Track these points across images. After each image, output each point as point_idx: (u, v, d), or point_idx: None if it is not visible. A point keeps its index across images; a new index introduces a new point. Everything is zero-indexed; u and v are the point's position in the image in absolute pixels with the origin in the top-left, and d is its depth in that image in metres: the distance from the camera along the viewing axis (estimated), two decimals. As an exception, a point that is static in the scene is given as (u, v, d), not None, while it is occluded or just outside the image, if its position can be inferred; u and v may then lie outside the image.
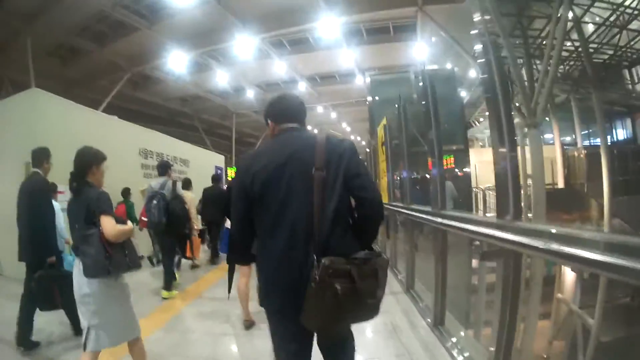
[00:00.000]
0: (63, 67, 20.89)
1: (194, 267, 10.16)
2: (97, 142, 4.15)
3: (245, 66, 23.57)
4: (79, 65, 21.14)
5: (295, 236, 2.35)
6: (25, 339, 4.89)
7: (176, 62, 20.99)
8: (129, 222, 3.76)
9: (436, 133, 5.27)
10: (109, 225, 3.43)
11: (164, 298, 7.20)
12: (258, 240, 2.55)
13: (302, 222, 2.35)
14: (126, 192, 10.71)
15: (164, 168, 7.83)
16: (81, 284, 3.45)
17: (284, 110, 2.71)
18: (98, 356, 3.54)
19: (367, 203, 2.46)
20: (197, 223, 10.49)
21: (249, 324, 5.68)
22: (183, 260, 9.21)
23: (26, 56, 16.56)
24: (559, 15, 11.81)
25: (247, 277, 5.75)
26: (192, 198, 9.64)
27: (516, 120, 14.94)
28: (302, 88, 27.26)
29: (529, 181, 11.06)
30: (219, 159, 20.64)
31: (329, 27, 17.84)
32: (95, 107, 16.07)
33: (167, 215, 6.87)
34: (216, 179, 11.97)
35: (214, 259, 11.06)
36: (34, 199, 4.93)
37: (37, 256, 4.80)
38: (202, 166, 16.53)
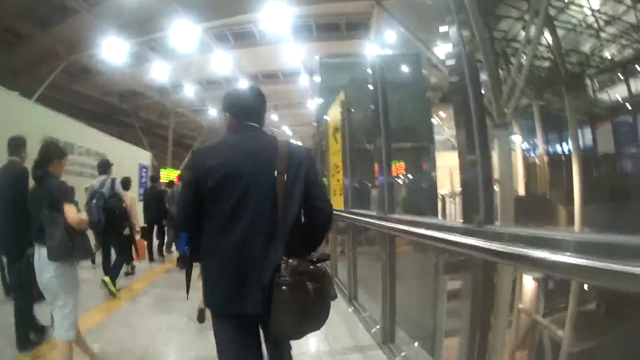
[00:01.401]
0: (9, 54, 19.19)
1: (127, 274, 9.34)
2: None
3: (185, 60, 22.52)
4: (22, 52, 19.55)
5: (252, 236, 2.34)
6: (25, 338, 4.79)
7: (114, 51, 19.71)
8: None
9: (385, 126, 4.69)
10: (72, 212, 3.68)
11: (104, 282, 7.13)
12: (204, 237, 2.47)
13: (262, 223, 2.36)
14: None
15: (104, 166, 7.88)
16: (42, 270, 3.68)
17: (245, 108, 2.65)
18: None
19: (319, 213, 2.55)
20: (139, 222, 10.25)
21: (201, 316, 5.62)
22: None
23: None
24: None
25: None
26: (131, 197, 9.13)
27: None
28: (243, 86, 25.64)
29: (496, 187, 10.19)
30: (144, 156, 18.88)
31: (277, 18, 17.07)
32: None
33: (106, 214, 6.81)
34: (155, 179, 12.81)
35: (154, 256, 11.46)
36: (16, 187, 4.80)
37: (19, 247, 4.63)
38: (122, 162, 14.25)
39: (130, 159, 16.30)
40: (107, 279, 7.15)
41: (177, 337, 5.58)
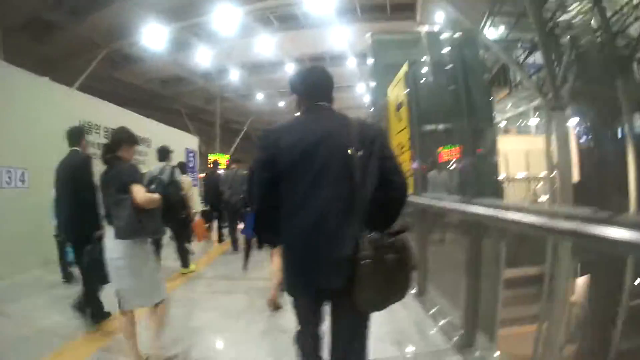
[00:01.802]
0: (38, 44, 18.74)
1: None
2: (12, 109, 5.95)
3: (229, 45, 21.64)
4: (54, 43, 19.04)
5: (330, 213, 2.34)
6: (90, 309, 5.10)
7: (155, 37, 19.04)
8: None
9: (467, 106, 4.18)
10: (140, 192, 3.76)
11: (183, 273, 7.86)
12: (283, 218, 2.47)
13: (339, 200, 2.35)
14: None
15: (164, 154, 7.94)
16: (112, 248, 3.82)
17: (314, 87, 2.68)
18: (134, 316, 4.01)
19: (396, 186, 2.50)
20: (195, 206, 10.54)
21: (272, 303, 5.69)
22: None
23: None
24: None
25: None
26: (189, 182, 9.63)
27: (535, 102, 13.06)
28: (289, 70, 24.93)
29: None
30: (191, 141, 18.29)
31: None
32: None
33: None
34: (216, 163, 13.15)
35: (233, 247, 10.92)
36: (79, 174, 5.03)
37: (85, 232, 4.78)
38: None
39: (176, 144, 15.46)
40: (183, 269, 7.96)
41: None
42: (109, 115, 11.46)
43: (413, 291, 5.82)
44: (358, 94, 29.64)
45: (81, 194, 4.93)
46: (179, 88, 29.59)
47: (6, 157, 7.80)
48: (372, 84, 8.63)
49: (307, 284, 2.46)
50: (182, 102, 32.24)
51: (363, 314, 2.56)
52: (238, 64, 25.51)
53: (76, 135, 5.41)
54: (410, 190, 5.67)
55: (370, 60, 9.81)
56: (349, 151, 2.36)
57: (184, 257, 8.15)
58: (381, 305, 2.43)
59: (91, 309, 5.11)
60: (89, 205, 4.83)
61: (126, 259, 3.80)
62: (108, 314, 5.20)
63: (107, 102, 11.94)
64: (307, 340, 2.68)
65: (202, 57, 22.78)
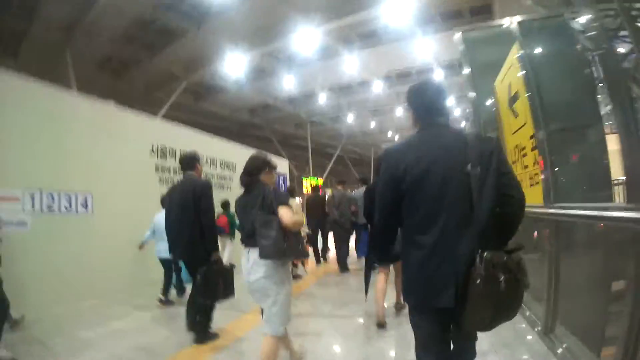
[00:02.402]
0: (115, 81, 19.22)
1: (295, 277, 9.71)
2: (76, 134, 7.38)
3: (313, 68, 20.87)
4: (131, 78, 19.52)
5: (449, 231, 2.36)
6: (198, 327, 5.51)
7: (234, 65, 18.56)
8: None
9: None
10: (288, 213, 3.73)
11: None
12: (404, 236, 2.60)
13: (458, 218, 2.36)
14: (226, 205, 10.43)
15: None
16: (251, 271, 3.86)
17: (431, 105, 2.69)
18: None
19: (514, 202, 2.43)
20: (304, 229, 10.56)
21: (381, 324, 5.75)
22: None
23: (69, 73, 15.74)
24: None
25: (387, 277, 5.97)
26: (297, 204, 10.33)
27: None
28: (377, 89, 24.26)
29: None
30: (280, 164, 17.26)
31: (398, 11, 15.14)
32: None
33: None
34: (316, 188, 13.08)
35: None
36: (202, 199, 5.21)
37: (202, 253, 5.13)
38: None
39: None
40: None
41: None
42: (184, 137, 11.12)
43: (538, 328, 4.90)
44: (449, 106, 27.83)
45: (203, 218, 5.17)
46: (267, 115, 29.39)
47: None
48: (471, 89, 7.58)
49: (425, 300, 2.48)
50: (273, 129, 32.01)
51: (472, 337, 2.72)
52: (324, 87, 24.69)
53: (190, 160, 5.63)
54: (539, 201, 4.80)
55: (464, 60, 8.81)
56: (467, 168, 2.35)
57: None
58: (488, 325, 2.35)
59: (198, 329, 5.49)
60: (210, 228, 5.25)
61: (267, 280, 3.80)
62: (216, 335, 5.60)
63: (181, 126, 11.51)
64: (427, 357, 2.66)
65: (287, 82, 22.14)
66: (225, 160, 12.62)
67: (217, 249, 5.30)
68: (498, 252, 2.26)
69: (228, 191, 12.13)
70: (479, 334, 2.74)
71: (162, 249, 6.96)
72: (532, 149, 4.93)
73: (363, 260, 9.80)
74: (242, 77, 20.23)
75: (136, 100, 18.44)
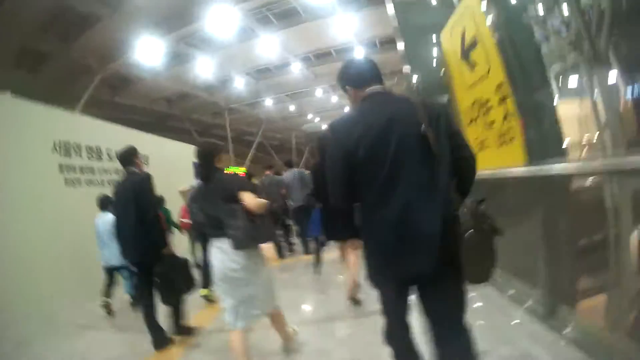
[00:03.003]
0: (33, 77, 17.23)
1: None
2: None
3: (230, 51, 19.85)
4: (47, 73, 17.50)
5: (413, 198, 2.23)
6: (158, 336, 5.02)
7: (150, 53, 17.31)
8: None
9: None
10: (251, 198, 3.60)
11: (203, 296, 6.91)
12: (363, 210, 2.46)
13: (419, 183, 2.24)
14: (160, 201, 8.47)
15: None
16: (225, 261, 3.67)
17: (362, 74, 2.62)
18: (246, 335, 3.80)
19: (467, 162, 2.44)
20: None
21: (355, 301, 5.70)
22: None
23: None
24: None
25: (349, 251, 5.57)
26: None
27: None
28: (296, 70, 23.44)
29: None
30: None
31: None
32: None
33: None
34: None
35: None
36: (141, 194, 4.88)
37: (151, 252, 4.86)
38: (171, 163, 12.16)
39: (182, 159, 13.88)
40: (203, 291, 6.90)
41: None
42: (93, 131, 9.81)
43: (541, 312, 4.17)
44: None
45: (144, 215, 4.83)
46: (185, 104, 27.81)
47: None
48: (406, 58, 6.91)
49: (398, 273, 2.35)
50: (191, 119, 30.48)
51: (460, 294, 2.43)
52: (242, 71, 23.58)
53: (128, 155, 5.33)
54: (521, 159, 4.07)
55: (395, 25, 8.14)
56: (420, 131, 2.24)
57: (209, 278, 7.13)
58: (486, 276, 2.32)
59: (154, 333, 5.02)
60: (154, 223, 4.92)
61: (245, 269, 3.69)
62: (170, 340, 5.16)
63: (86, 117, 10.27)
64: (398, 333, 2.60)
65: (204, 68, 20.98)
66: (115, 148, 11.09)
67: (166, 244, 5.10)
68: (473, 206, 2.22)
69: None
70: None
71: (108, 255, 6.82)
72: (501, 101, 4.12)
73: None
74: (158, 64, 18.93)
75: (54, 96, 16.36)
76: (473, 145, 4.99)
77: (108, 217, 6.81)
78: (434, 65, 6.56)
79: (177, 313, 5.26)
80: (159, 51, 17.51)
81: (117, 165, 9.68)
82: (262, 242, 3.84)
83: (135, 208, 4.83)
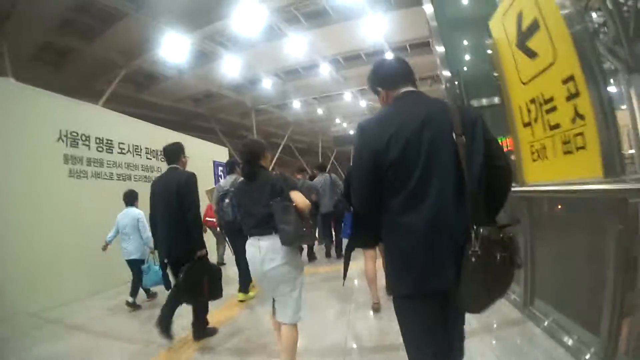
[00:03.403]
0: (55, 73, 16.97)
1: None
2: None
3: (258, 51, 19.21)
4: (71, 68, 17.18)
5: (441, 207, 2.07)
6: (164, 326, 5.00)
7: (176, 50, 16.75)
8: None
9: None
10: (301, 198, 3.60)
11: (240, 301, 7.01)
12: (388, 216, 2.23)
13: (449, 192, 2.07)
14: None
15: (232, 166, 7.75)
16: (265, 259, 3.62)
17: (394, 74, 2.45)
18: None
19: (502, 173, 2.22)
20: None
21: (377, 307, 5.65)
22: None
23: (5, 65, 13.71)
24: None
25: (375, 259, 5.65)
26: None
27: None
28: (324, 72, 22.48)
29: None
30: (219, 152, 15.72)
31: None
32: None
33: None
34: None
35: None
36: (184, 192, 4.83)
37: (189, 251, 4.81)
38: (190, 160, 11.62)
39: (202, 156, 13.17)
40: (240, 295, 7.06)
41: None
42: (104, 121, 9.26)
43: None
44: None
45: (188, 213, 4.79)
46: (211, 104, 27.28)
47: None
48: (444, 51, 6.19)
49: (423, 283, 2.12)
50: (217, 119, 29.89)
51: (462, 316, 2.36)
52: (270, 72, 22.85)
53: (174, 152, 5.27)
54: (592, 172, 3.25)
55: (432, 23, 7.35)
56: (453, 136, 2.09)
57: (245, 279, 7.15)
58: (483, 306, 2.11)
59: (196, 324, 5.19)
60: (195, 223, 4.85)
61: (287, 266, 3.62)
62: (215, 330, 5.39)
63: (97, 108, 9.85)
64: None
65: (231, 67, 20.27)
66: (153, 148, 10.59)
67: (202, 246, 4.94)
68: (493, 227, 2.01)
69: None
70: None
71: (130, 249, 7.00)
72: (570, 98, 3.25)
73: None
74: (183, 62, 18.48)
75: (76, 92, 15.71)
76: (527, 154, 4.44)
77: (134, 212, 7.13)
78: (480, 63, 5.78)
79: (197, 318, 5.21)
80: (185, 48, 16.99)
81: (129, 158, 9.16)
82: (308, 242, 4.02)
83: (177, 206, 4.79)
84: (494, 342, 4.18)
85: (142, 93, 22.25)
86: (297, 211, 3.52)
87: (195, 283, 4.77)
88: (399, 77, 2.42)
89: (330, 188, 9.90)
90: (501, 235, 2.02)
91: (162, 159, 10.47)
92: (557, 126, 3.55)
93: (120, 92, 18.92)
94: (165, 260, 5.15)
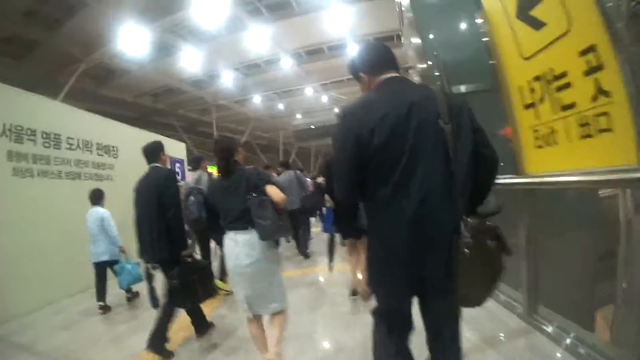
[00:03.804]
0: (18, 65, 16.31)
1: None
2: None
3: (218, 44, 18.57)
4: (32, 60, 16.47)
5: (428, 198, 2.01)
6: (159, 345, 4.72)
7: (135, 42, 16.12)
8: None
9: None
10: (276, 191, 3.64)
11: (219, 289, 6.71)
12: (372, 210, 2.21)
13: (436, 181, 2.02)
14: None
15: (196, 162, 7.68)
16: (241, 253, 3.60)
17: (378, 59, 2.36)
18: (262, 322, 3.89)
19: (488, 161, 2.10)
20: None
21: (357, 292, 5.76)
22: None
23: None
24: None
25: (355, 249, 5.64)
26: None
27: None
28: (286, 66, 21.87)
29: None
30: (175, 148, 14.65)
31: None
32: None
33: (207, 209, 5.30)
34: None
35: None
36: (164, 190, 4.60)
37: (173, 252, 4.59)
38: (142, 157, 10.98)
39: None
40: (218, 282, 6.82)
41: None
42: (54, 115, 8.49)
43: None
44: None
45: (167, 211, 4.53)
46: (171, 99, 26.35)
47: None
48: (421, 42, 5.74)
49: (407, 274, 2.10)
50: (177, 115, 29.03)
51: (455, 308, 2.24)
52: (230, 66, 22.15)
53: (155, 150, 5.01)
54: (631, 158, 2.73)
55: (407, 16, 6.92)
56: (440, 123, 2.01)
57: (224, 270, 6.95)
58: (481, 297, 2.05)
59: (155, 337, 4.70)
60: (177, 222, 4.61)
61: (265, 260, 3.63)
62: (170, 354, 4.82)
63: (45, 99, 8.59)
64: (394, 345, 2.33)
65: (191, 61, 19.60)
66: (104, 143, 9.73)
67: (185, 246, 4.74)
68: (481, 216, 1.99)
69: (108, 183, 9.52)
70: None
71: (98, 251, 6.75)
72: (590, 72, 2.78)
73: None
74: (143, 56, 17.75)
75: (39, 86, 14.64)
76: (529, 140, 4.00)
77: (98, 212, 6.83)
78: (468, 49, 5.26)
79: (195, 316, 5.14)
80: (144, 41, 16.34)
81: (80, 155, 8.39)
82: (285, 235, 3.84)
83: (157, 204, 4.57)
84: (495, 356, 3.72)
85: (102, 88, 21.47)
86: (273, 205, 3.53)
87: (187, 285, 4.54)
88: (384, 62, 2.34)
89: (297, 184, 9.64)
90: (488, 224, 1.97)
91: (115, 156, 9.84)
92: (571, 106, 3.09)
93: (80, 87, 18.30)
94: (150, 267, 4.93)
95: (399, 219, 2.04)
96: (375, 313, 2.39)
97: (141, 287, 6.29)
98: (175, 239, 4.59)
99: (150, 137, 12.70)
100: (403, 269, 2.09)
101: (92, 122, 9.68)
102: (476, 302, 2.06)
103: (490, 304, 3.59)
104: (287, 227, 3.76)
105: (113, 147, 9.97)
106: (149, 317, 5.01)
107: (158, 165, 4.98)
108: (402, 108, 2.05)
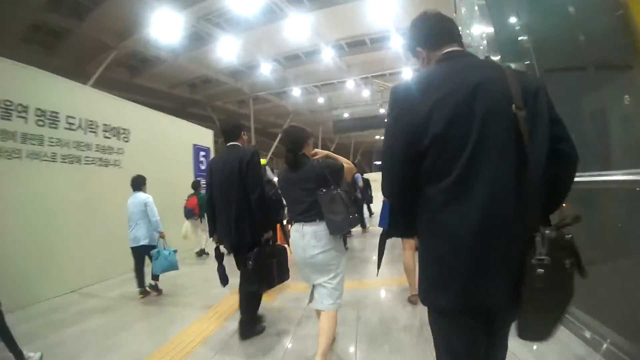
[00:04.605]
0: (48, 54, 15.85)
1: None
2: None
3: (256, 33, 17.65)
4: (63, 48, 16.07)
5: (498, 200, 1.56)
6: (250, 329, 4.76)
7: (169, 29, 15.41)
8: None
9: None
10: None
11: None
12: (426, 210, 1.72)
13: (507, 179, 1.56)
14: (197, 185, 10.32)
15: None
16: (307, 245, 3.54)
17: (438, 31, 1.90)
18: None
19: (567, 159, 1.68)
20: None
21: (415, 300, 5.38)
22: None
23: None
24: None
25: (414, 249, 5.26)
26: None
27: None
28: (327, 58, 20.87)
29: None
30: (202, 136, 13.88)
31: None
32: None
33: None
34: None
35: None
36: (247, 170, 4.42)
37: (256, 236, 4.44)
38: (164, 144, 10.22)
39: (180, 139, 11.67)
40: None
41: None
42: (56, 93, 7.69)
43: None
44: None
45: (252, 192, 4.40)
46: (208, 90, 25.73)
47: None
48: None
49: (470, 296, 1.61)
50: (213, 107, 28.41)
51: (506, 340, 1.88)
52: (268, 57, 21.23)
53: (236, 128, 4.79)
54: None
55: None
56: (512, 109, 1.56)
57: None
58: (549, 329, 1.63)
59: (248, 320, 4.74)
60: (258, 203, 4.40)
61: (332, 250, 3.54)
62: (263, 328, 4.90)
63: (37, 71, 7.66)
64: None
65: (228, 51, 18.74)
66: (111, 124, 8.77)
67: (269, 228, 4.55)
68: (557, 228, 1.53)
69: (116, 169, 8.67)
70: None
71: (138, 235, 6.72)
72: None
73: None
74: (178, 44, 17.12)
75: (69, 75, 14.67)
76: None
77: (141, 197, 6.84)
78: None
79: (247, 309, 4.83)
80: (178, 28, 15.67)
81: (79, 136, 7.44)
82: (355, 226, 3.69)
83: (239, 185, 4.43)
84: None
85: (136, 77, 20.96)
86: (343, 200, 3.44)
87: (264, 269, 4.38)
88: (445, 33, 1.87)
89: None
90: (569, 238, 1.52)
91: (125, 139, 8.92)
92: None
93: (112, 75, 17.92)
94: (224, 248, 4.84)
95: (456, 231, 1.60)
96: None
97: (166, 284, 6.86)
98: (259, 221, 4.43)
99: (173, 122, 11.88)
100: (467, 288, 1.61)
101: (100, 100, 8.88)
102: (540, 334, 1.66)
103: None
104: (356, 218, 3.61)
105: (123, 129, 9.09)
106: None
107: (237, 144, 4.74)
108: (467, 90, 1.62)
